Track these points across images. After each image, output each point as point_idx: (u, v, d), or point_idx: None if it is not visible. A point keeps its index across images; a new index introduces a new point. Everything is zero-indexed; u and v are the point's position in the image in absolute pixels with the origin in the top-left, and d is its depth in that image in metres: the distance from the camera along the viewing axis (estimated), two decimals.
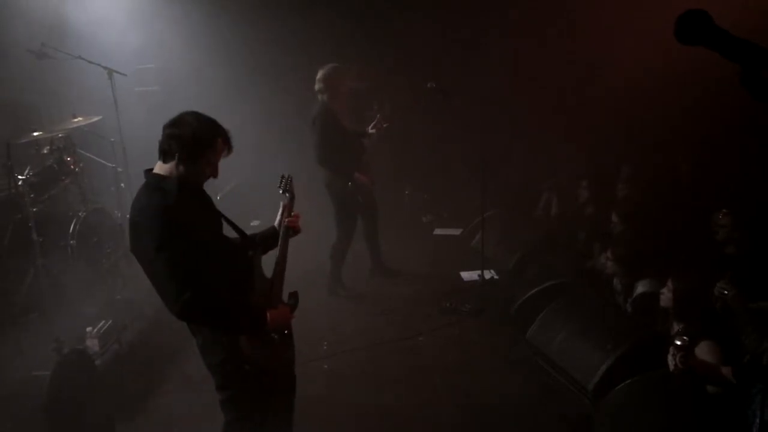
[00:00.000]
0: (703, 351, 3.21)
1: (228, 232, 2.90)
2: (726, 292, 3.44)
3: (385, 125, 5.52)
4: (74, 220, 5.08)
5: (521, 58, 6.89)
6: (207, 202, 2.82)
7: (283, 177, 3.13)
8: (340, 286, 5.72)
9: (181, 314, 2.59)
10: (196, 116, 2.68)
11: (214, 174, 2.75)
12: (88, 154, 5.93)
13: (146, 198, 2.62)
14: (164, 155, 2.67)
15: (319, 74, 5.24)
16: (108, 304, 4.73)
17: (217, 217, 2.82)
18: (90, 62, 5.67)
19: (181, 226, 2.54)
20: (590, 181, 5.79)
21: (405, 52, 7.13)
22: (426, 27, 7.10)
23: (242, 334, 2.70)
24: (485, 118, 5.86)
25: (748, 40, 1.37)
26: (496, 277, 5.69)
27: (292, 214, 3.06)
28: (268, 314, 2.76)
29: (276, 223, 3.08)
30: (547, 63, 6.78)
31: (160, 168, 2.69)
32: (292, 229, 3.05)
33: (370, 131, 5.49)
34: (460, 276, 5.96)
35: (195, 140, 2.62)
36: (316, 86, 5.25)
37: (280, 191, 3.12)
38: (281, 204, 3.09)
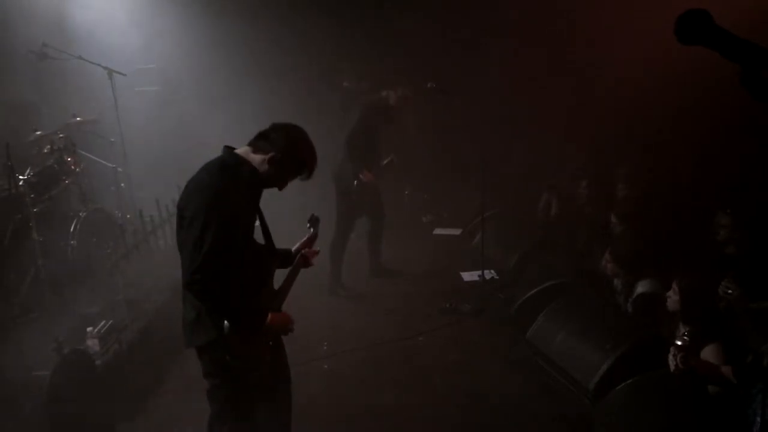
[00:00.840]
0: (708, 353, 3.21)
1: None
2: (730, 291, 3.44)
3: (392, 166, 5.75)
4: (74, 220, 5.09)
5: (521, 58, 6.90)
6: (257, 201, 2.85)
7: (312, 216, 3.27)
8: (339, 286, 5.73)
9: (194, 283, 2.57)
10: (306, 136, 2.78)
11: (281, 188, 2.83)
12: (88, 155, 5.94)
13: (220, 170, 2.62)
14: (257, 146, 2.70)
15: (400, 92, 5.50)
16: (108, 304, 4.72)
17: (256, 218, 2.87)
18: (90, 62, 5.67)
19: (233, 211, 2.58)
20: (589, 182, 5.79)
21: (405, 52, 7.14)
22: (426, 27, 7.11)
23: (240, 323, 2.68)
24: (485, 118, 5.87)
25: (749, 40, 1.37)
26: (496, 277, 5.69)
27: (314, 249, 3.18)
28: (269, 315, 2.76)
29: (294, 249, 3.15)
30: (547, 63, 6.79)
31: (244, 151, 2.71)
32: (307, 261, 3.16)
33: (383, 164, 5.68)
34: (460, 276, 5.97)
35: (296, 157, 2.73)
36: (391, 100, 5.50)
37: (308, 226, 3.24)
38: (306, 236, 3.20)
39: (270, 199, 2.96)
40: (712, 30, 1.39)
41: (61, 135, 5.44)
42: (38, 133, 5.37)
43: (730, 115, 5.17)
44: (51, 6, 5.96)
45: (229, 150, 2.73)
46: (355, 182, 5.41)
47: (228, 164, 2.67)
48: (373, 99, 5.57)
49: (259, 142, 2.72)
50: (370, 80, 6.67)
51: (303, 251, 3.14)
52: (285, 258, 3.10)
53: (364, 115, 5.46)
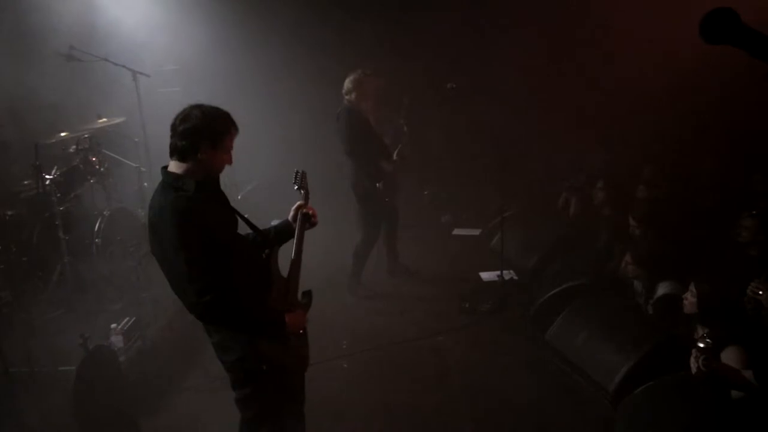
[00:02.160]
0: (729, 355, 3.17)
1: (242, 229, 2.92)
2: (761, 293, 3.39)
3: (405, 153, 5.55)
4: (99, 219, 5.17)
5: (541, 56, 6.86)
6: (223, 200, 2.81)
7: (297, 172, 3.13)
8: (359, 285, 5.75)
9: (203, 315, 2.61)
10: (201, 108, 2.67)
11: (230, 161, 2.76)
12: (112, 154, 6.03)
13: (163, 197, 2.59)
14: (182, 153, 2.63)
15: (348, 78, 5.32)
16: (132, 301, 4.79)
17: (232, 215, 2.82)
18: (115, 64, 5.76)
19: (200, 226, 2.53)
20: (605, 182, 5.74)
21: (423, 54, 7.14)
22: (445, 25, 7.10)
23: (261, 335, 2.71)
24: (504, 118, 5.86)
25: None
26: (515, 277, 5.67)
27: (308, 209, 3.06)
28: (286, 317, 2.77)
29: (290, 217, 3.07)
30: (568, 62, 6.75)
31: (177, 167, 2.66)
32: (310, 220, 3.05)
33: (395, 158, 5.52)
34: (479, 276, 5.96)
35: (213, 129, 2.64)
36: (344, 89, 5.33)
37: (295, 187, 3.12)
38: (299, 200, 3.11)
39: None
40: (739, 29, 1.36)
41: (86, 135, 5.53)
42: (64, 133, 5.47)
43: (754, 115, 5.11)
44: (78, 9, 6.06)
45: (164, 170, 2.69)
46: (377, 185, 5.35)
47: (170, 185, 2.62)
48: (343, 103, 5.38)
49: (180, 150, 2.64)
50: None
51: (302, 211, 3.04)
52: (284, 231, 3.05)
53: (347, 121, 5.29)
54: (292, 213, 3.07)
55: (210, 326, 2.77)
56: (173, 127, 2.67)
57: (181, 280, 2.57)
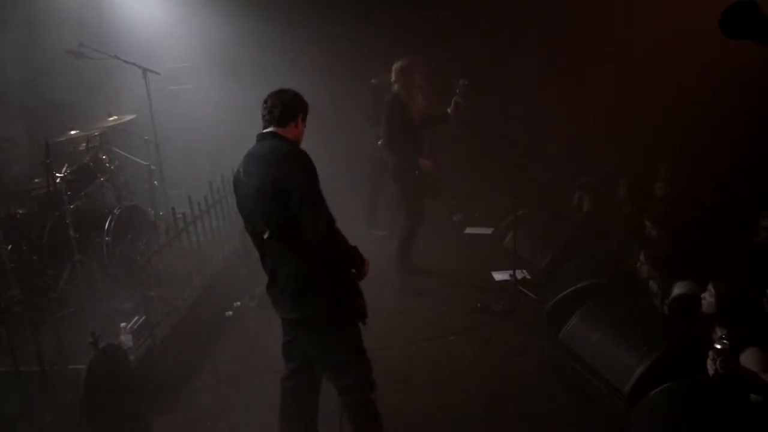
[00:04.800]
0: (749, 358, 3.10)
1: None
2: None
3: (457, 101, 5.38)
4: (109, 217, 5.17)
5: (554, 53, 6.80)
6: None
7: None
8: (409, 263, 5.82)
9: (324, 244, 2.94)
10: (290, 90, 3.18)
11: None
12: (122, 152, 6.03)
13: (286, 147, 3.03)
14: (282, 120, 3.07)
15: (395, 65, 5.38)
16: (142, 299, 4.79)
17: None
18: (125, 62, 5.76)
19: (317, 174, 2.99)
20: (629, 180, 5.66)
21: (436, 50, 7.08)
22: (457, 22, 7.05)
23: (352, 267, 3.13)
24: (517, 115, 5.80)
25: None
26: (528, 276, 5.62)
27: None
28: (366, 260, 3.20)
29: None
30: (582, 58, 6.68)
31: (282, 132, 3.07)
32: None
33: (450, 111, 5.43)
34: (491, 275, 5.91)
35: (305, 105, 3.18)
36: (392, 77, 5.39)
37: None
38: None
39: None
40: (761, 23, 1.32)
41: (96, 133, 5.53)
42: (74, 131, 5.47)
43: None
44: (88, 6, 6.07)
45: (269, 133, 3.08)
46: (417, 172, 5.43)
47: (286, 141, 3.06)
48: (387, 97, 5.48)
49: (280, 117, 3.07)
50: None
51: None
52: None
53: (387, 116, 5.43)
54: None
55: (290, 273, 3.03)
56: (271, 100, 3.10)
57: (303, 217, 2.89)
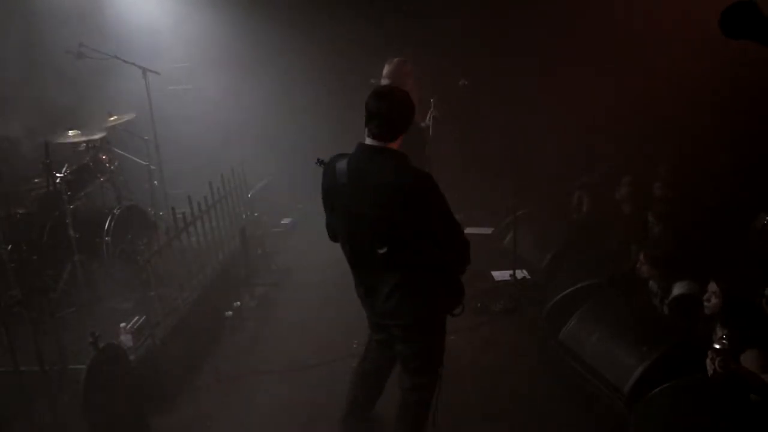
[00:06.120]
0: (749, 358, 3.10)
1: None
2: None
3: (434, 115, 5.48)
4: (109, 217, 5.17)
5: (553, 53, 6.79)
6: None
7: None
8: None
9: (462, 256, 3.13)
10: (397, 93, 2.97)
11: None
12: (122, 152, 6.04)
13: (411, 170, 2.90)
14: (390, 135, 2.90)
15: (386, 69, 5.33)
16: (142, 299, 4.79)
17: None
18: (125, 62, 5.76)
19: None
20: (632, 179, 5.65)
21: (435, 50, 7.09)
22: (455, 20, 7.04)
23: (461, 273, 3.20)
24: (517, 114, 5.79)
25: None
26: (528, 276, 5.61)
27: None
28: None
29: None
30: (582, 58, 6.67)
31: (391, 146, 2.92)
32: None
33: (423, 125, 5.46)
34: (491, 275, 5.90)
35: (409, 118, 2.98)
36: (383, 80, 5.32)
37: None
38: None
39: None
40: (761, 23, 1.32)
41: (96, 135, 5.53)
42: (74, 131, 5.48)
43: None
44: (87, 6, 6.07)
45: (383, 147, 2.90)
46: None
47: (405, 159, 2.92)
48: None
49: (391, 131, 2.89)
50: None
51: None
52: None
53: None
54: None
55: (390, 281, 3.04)
56: (380, 109, 2.87)
57: (444, 233, 2.99)
